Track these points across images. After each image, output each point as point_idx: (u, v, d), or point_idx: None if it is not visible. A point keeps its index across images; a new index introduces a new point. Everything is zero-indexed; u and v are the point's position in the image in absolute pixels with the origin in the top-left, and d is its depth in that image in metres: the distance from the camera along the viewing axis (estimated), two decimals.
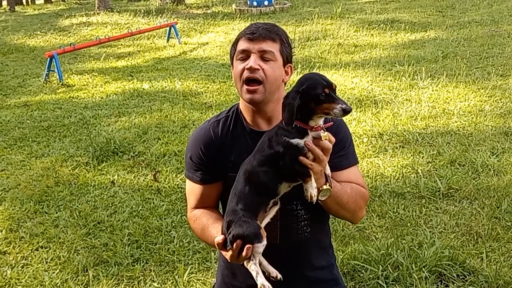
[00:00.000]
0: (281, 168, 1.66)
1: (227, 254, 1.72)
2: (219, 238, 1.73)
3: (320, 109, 1.62)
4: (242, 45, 1.83)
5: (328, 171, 1.75)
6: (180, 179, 4.42)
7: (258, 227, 1.69)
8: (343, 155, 1.88)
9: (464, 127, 5.14)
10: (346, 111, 1.60)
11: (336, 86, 1.65)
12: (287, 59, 1.87)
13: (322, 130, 1.66)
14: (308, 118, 1.64)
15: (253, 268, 1.69)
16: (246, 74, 1.80)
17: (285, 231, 1.90)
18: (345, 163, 1.89)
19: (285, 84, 1.91)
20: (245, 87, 1.81)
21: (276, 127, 1.71)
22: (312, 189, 1.67)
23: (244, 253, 1.66)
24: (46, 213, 4.06)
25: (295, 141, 1.63)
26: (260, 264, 1.74)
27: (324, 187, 1.73)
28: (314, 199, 1.67)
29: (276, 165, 1.67)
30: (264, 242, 1.69)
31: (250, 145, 1.85)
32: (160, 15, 13.10)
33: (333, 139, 1.68)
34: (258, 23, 1.86)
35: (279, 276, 1.75)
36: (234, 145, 1.90)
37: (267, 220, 1.76)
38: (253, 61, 1.79)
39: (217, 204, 2.02)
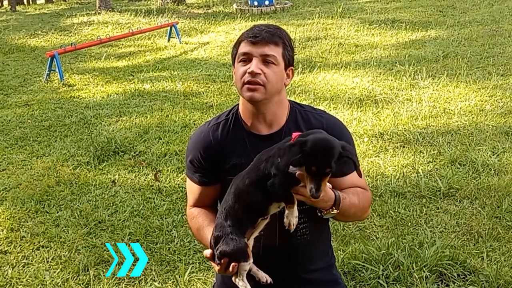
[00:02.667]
0: (268, 187, 1.65)
1: (215, 267, 1.75)
2: (207, 252, 1.77)
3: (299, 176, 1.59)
4: (244, 47, 1.81)
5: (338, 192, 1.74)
6: (181, 179, 4.42)
7: (245, 246, 1.71)
8: None
9: (464, 127, 5.14)
10: (313, 196, 1.56)
11: (329, 170, 1.57)
12: (289, 63, 1.85)
13: None
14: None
15: (241, 284, 1.73)
16: (247, 77, 1.79)
17: (284, 233, 1.89)
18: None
19: (285, 86, 1.91)
20: (246, 85, 1.80)
21: (276, 147, 1.69)
22: (292, 217, 1.67)
23: (230, 270, 1.69)
24: (47, 212, 4.06)
25: (291, 166, 1.60)
26: (250, 270, 1.77)
27: (331, 211, 1.74)
28: (292, 227, 1.67)
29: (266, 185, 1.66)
30: (251, 260, 1.72)
31: (249, 149, 1.86)
32: (161, 14, 13.10)
33: None
34: (261, 25, 1.84)
35: (269, 279, 1.78)
36: (233, 149, 1.89)
37: (255, 234, 1.77)
38: (254, 66, 1.77)
39: (215, 203, 2.04)
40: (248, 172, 1.73)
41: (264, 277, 1.78)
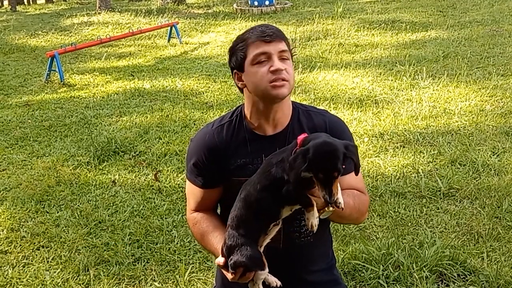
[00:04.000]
0: (284, 194, 1.65)
1: (228, 275, 1.75)
2: (220, 260, 1.76)
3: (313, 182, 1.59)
4: (258, 48, 1.79)
5: (339, 193, 1.72)
6: (181, 179, 4.42)
7: (260, 255, 1.71)
8: None
9: (465, 127, 5.14)
10: (326, 202, 1.58)
11: (337, 174, 1.58)
12: (292, 58, 1.88)
13: None
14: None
15: None
16: (271, 76, 1.78)
17: (288, 236, 1.90)
18: (347, 168, 1.86)
19: None
20: (272, 84, 1.79)
21: (285, 153, 1.67)
22: (313, 219, 1.66)
23: (246, 276, 1.71)
24: (47, 212, 4.07)
25: (302, 173, 1.59)
26: None
27: (326, 209, 1.72)
28: (315, 228, 1.67)
29: (279, 190, 1.65)
30: (266, 270, 1.72)
31: (254, 150, 1.85)
32: (161, 14, 13.10)
33: None
34: (261, 26, 1.85)
35: (279, 283, 1.77)
36: (238, 150, 1.89)
37: (267, 240, 1.77)
38: (277, 62, 1.78)
39: (216, 207, 2.03)
40: (258, 177, 1.71)
41: (274, 281, 1.77)
